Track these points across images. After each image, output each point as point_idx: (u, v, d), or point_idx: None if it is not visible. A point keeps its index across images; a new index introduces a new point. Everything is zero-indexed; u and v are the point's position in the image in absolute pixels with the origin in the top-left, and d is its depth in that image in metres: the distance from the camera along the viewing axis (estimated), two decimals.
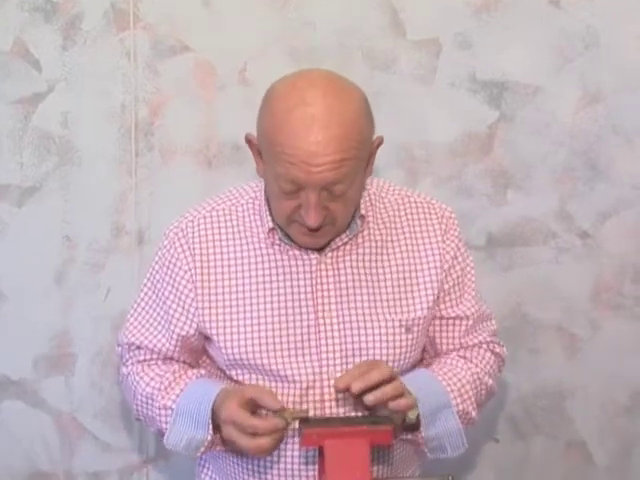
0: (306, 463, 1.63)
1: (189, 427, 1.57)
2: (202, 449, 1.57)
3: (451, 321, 1.70)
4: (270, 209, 1.62)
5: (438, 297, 1.67)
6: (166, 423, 1.61)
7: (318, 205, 1.50)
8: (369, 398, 1.48)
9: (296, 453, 1.62)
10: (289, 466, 1.64)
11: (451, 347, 1.71)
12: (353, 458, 1.46)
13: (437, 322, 1.70)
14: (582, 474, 2.34)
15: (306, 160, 1.45)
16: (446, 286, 1.68)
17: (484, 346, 1.73)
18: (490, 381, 1.71)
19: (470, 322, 1.71)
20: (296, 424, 1.51)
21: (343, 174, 1.48)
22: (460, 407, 1.62)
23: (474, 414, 1.65)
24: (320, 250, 1.62)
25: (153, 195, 2.13)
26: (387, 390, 1.48)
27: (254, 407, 1.51)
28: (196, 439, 1.56)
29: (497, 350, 1.76)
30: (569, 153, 2.20)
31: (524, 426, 2.31)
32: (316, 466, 1.59)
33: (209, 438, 1.55)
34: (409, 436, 1.59)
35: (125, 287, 2.11)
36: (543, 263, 2.24)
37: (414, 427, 1.57)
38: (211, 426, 1.54)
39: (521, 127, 2.19)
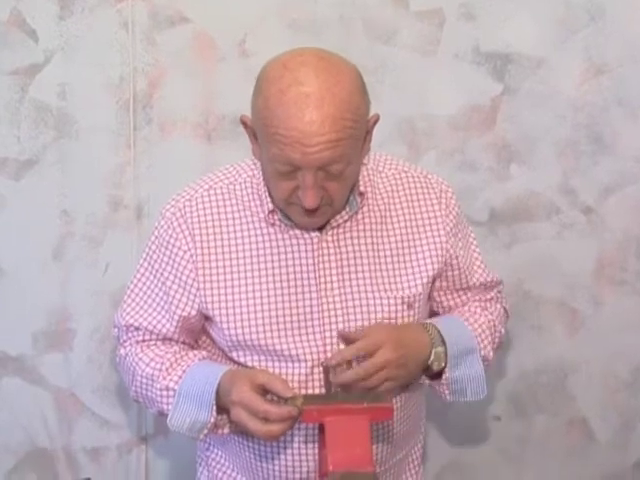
0: (306, 443, 1.64)
1: (192, 409, 1.57)
2: (205, 431, 1.58)
3: (476, 289, 1.76)
4: (268, 190, 1.62)
5: (444, 274, 1.69)
6: (167, 404, 1.61)
7: (315, 186, 1.49)
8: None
9: (302, 437, 1.63)
10: (293, 449, 1.65)
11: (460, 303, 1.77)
12: (353, 435, 1.47)
13: (446, 295, 1.74)
14: (584, 451, 2.35)
15: (301, 141, 1.45)
16: (454, 261, 1.69)
17: (494, 300, 1.80)
18: (502, 330, 1.78)
19: (496, 288, 1.79)
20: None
21: (339, 154, 1.47)
22: (482, 352, 1.68)
23: (491, 357, 1.71)
24: (321, 229, 1.63)
25: (152, 169, 2.13)
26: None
27: (263, 392, 1.51)
28: (199, 421, 1.57)
29: (505, 306, 1.83)
30: (573, 126, 2.20)
31: (525, 403, 2.32)
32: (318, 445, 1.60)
33: (212, 420, 1.56)
34: (432, 381, 1.63)
35: (124, 262, 2.11)
36: (546, 239, 2.24)
37: (438, 374, 1.61)
38: (215, 408, 1.55)
39: (525, 100, 2.19)
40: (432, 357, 1.61)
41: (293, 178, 1.51)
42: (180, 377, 1.61)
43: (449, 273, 1.71)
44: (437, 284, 1.72)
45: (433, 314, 1.77)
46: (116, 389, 2.20)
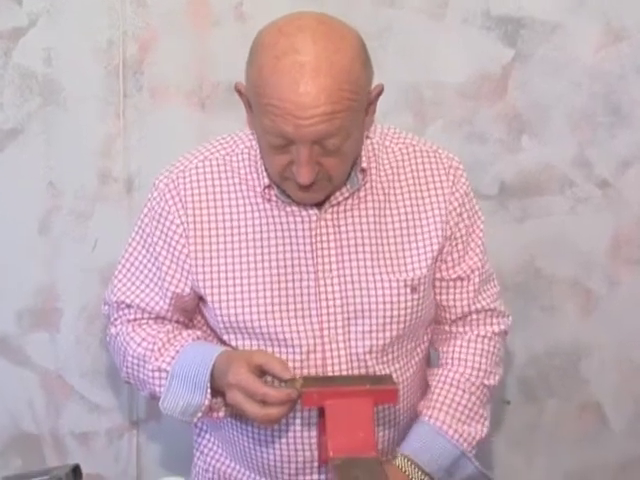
0: (308, 426, 1.64)
1: (186, 391, 1.56)
2: (199, 414, 1.57)
3: (458, 282, 1.70)
4: (264, 163, 1.61)
5: (440, 256, 1.67)
6: (160, 386, 1.61)
7: (310, 161, 1.48)
8: None
9: (301, 422, 1.63)
10: (291, 433, 1.64)
11: (454, 315, 1.72)
12: (356, 418, 1.47)
13: (441, 284, 1.71)
14: (597, 438, 2.36)
15: (294, 113, 1.43)
16: (453, 243, 1.67)
17: (489, 332, 1.73)
18: (494, 380, 1.73)
19: (476, 281, 1.71)
20: None
21: (336, 127, 1.45)
22: (474, 442, 1.66)
23: (486, 423, 1.70)
24: (320, 206, 1.62)
25: (142, 139, 2.12)
26: None
27: (261, 374, 1.51)
28: (193, 404, 1.56)
29: (502, 327, 1.76)
30: (589, 96, 2.20)
31: (536, 387, 2.32)
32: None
33: (206, 403, 1.55)
34: None
35: (114, 237, 2.09)
36: (559, 214, 2.24)
37: None
38: (209, 390, 1.54)
39: (538, 67, 2.18)
40: None
41: (287, 152, 1.49)
42: (173, 358, 1.60)
43: (447, 255, 1.68)
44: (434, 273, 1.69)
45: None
46: (106, 371, 2.21)
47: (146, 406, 2.23)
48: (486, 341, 1.73)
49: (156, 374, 1.62)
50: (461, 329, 1.73)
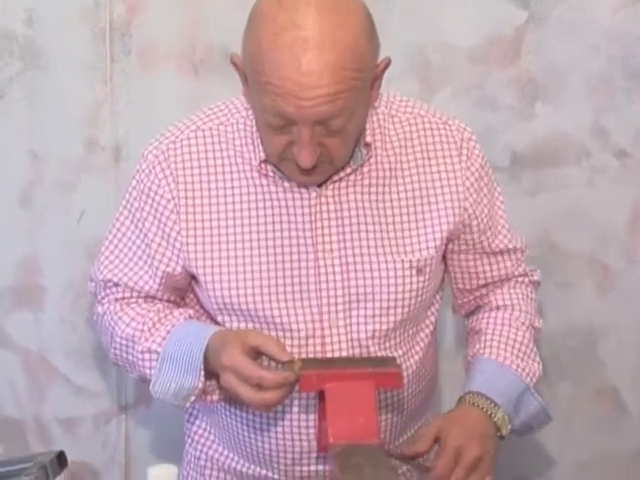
0: (306, 413, 1.64)
1: (178, 373, 1.56)
2: (192, 398, 1.57)
3: (500, 256, 1.73)
4: (261, 141, 1.60)
5: (465, 235, 1.68)
6: (150, 368, 1.61)
7: (312, 142, 1.47)
8: None
9: (299, 407, 1.63)
10: (288, 422, 1.65)
11: (490, 281, 1.75)
12: (357, 403, 1.47)
13: (475, 259, 1.72)
14: (613, 424, 2.37)
15: (296, 93, 1.42)
16: (479, 219, 1.67)
17: (526, 280, 1.78)
18: (539, 322, 1.77)
19: (518, 255, 1.75)
20: None
21: (340, 107, 1.44)
22: (535, 379, 1.68)
23: (540, 369, 1.72)
24: (320, 183, 1.61)
25: (131, 105, 2.12)
26: None
27: (256, 355, 1.51)
28: (185, 387, 1.56)
29: (535, 278, 1.80)
30: (607, 59, 2.19)
31: (549, 370, 2.32)
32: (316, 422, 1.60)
33: (200, 386, 1.55)
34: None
35: (100, 210, 2.10)
36: (575, 186, 2.25)
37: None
38: (203, 373, 1.54)
39: (553, 29, 2.17)
40: (499, 424, 1.61)
41: (287, 132, 1.48)
42: (164, 338, 1.60)
43: (467, 236, 1.68)
44: (451, 247, 1.70)
45: (447, 274, 1.76)
46: (92, 352, 2.21)
47: (135, 389, 2.23)
48: (524, 287, 1.77)
49: (146, 355, 1.62)
50: (498, 285, 1.76)
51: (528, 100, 2.20)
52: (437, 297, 1.74)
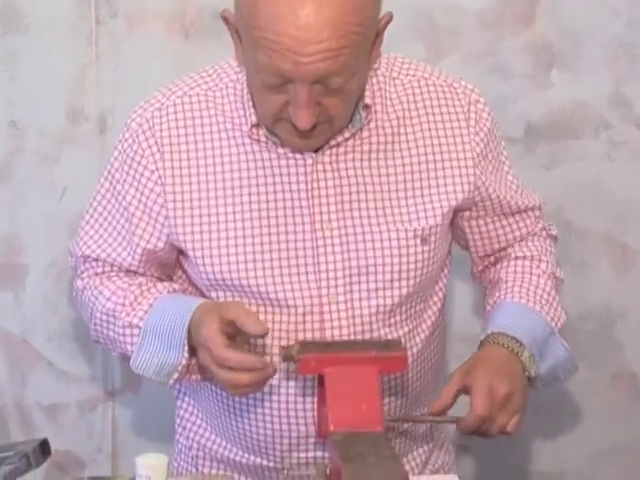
0: (303, 399, 1.64)
1: (160, 349, 1.57)
2: (176, 375, 1.57)
3: (518, 215, 1.75)
4: (252, 99, 1.60)
5: (482, 203, 1.69)
6: (132, 344, 1.61)
7: (310, 102, 1.46)
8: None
9: (292, 390, 1.63)
10: (283, 405, 1.65)
11: (512, 241, 1.77)
12: (359, 389, 1.47)
13: (494, 221, 1.73)
14: (630, 410, 2.38)
15: (294, 49, 1.41)
16: (483, 189, 1.67)
17: (544, 234, 1.80)
18: (561, 273, 1.79)
19: (536, 212, 1.78)
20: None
21: (340, 65, 1.44)
22: (559, 325, 1.70)
23: (563, 316, 1.73)
24: (316, 148, 1.60)
25: (117, 72, 2.13)
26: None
27: (234, 330, 1.50)
28: (168, 363, 1.57)
29: (553, 232, 1.83)
30: (628, 24, 2.19)
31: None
32: (314, 405, 1.60)
33: (184, 362, 1.55)
34: None
35: (84, 184, 2.07)
36: (592, 159, 2.25)
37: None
38: (187, 348, 1.54)
39: None
40: (526, 364, 1.61)
41: (283, 91, 1.47)
42: (146, 312, 1.60)
43: (480, 204, 1.70)
44: (468, 214, 1.71)
45: (465, 242, 1.77)
46: (77, 335, 2.22)
47: (123, 374, 2.24)
48: (542, 240, 1.79)
49: (127, 330, 1.62)
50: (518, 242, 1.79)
51: (543, 67, 2.20)
52: (445, 272, 1.74)
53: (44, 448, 1.51)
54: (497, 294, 1.72)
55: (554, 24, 2.18)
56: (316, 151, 1.60)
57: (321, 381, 1.51)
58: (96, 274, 1.69)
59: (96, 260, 1.69)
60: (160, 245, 1.64)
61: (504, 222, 1.75)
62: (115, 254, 1.67)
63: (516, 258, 1.76)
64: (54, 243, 2.16)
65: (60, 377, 2.24)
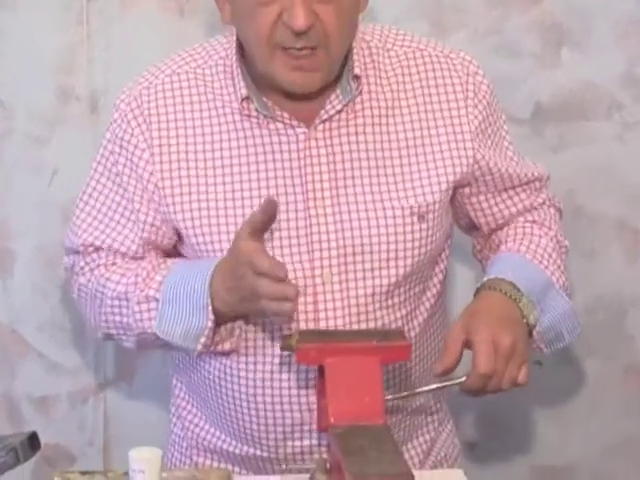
0: (297, 384, 1.64)
1: (182, 314, 1.58)
2: (202, 339, 1.57)
3: (519, 188, 1.76)
4: (243, 72, 1.61)
5: (483, 178, 1.70)
6: (150, 319, 1.61)
7: (304, 3, 1.49)
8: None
9: (285, 375, 1.64)
10: (277, 391, 1.65)
11: (515, 215, 1.78)
12: (361, 380, 1.47)
13: (495, 197, 1.75)
14: None
15: None
16: (483, 163, 1.68)
17: (547, 202, 1.81)
18: (566, 241, 1.80)
19: (536, 184, 1.78)
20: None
21: None
22: (560, 282, 1.70)
23: (567, 282, 1.73)
24: (308, 122, 1.62)
25: (110, 50, 2.12)
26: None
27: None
28: (194, 327, 1.57)
29: (557, 205, 1.84)
30: (638, 0, 2.17)
31: (574, 346, 2.32)
32: (309, 392, 1.61)
33: (210, 325, 1.55)
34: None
35: (76, 167, 2.07)
36: (604, 141, 2.24)
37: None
38: (210, 308, 1.54)
39: None
40: (525, 311, 1.60)
41: (275, 1, 1.50)
42: (161, 283, 1.61)
43: (480, 179, 1.71)
44: (468, 190, 1.72)
45: (466, 222, 1.78)
46: (68, 324, 2.21)
47: (115, 365, 2.24)
48: (546, 208, 1.80)
49: (144, 306, 1.63)
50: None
51: (552, 46, 2.19)
52: (446, 253, 1.75)
53: (33, 442, 1.51)
54: (497, 253, 1.73)
55: (563, 1, 2.17)
56: (308, 126, 1.61)
57: (321, 372, 1.51)
58: (99, 266, 1.70)
59: (98, 250, 1.70)
60: (158, 224, 1.66)
61: (504, 196, 1.75)
62: (121, 237, 1.68)
63: (518, 222, 1.77)
64: (44, 228, 2.16)
65: (50, 368, 2.23)
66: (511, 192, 1.75)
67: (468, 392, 1.55)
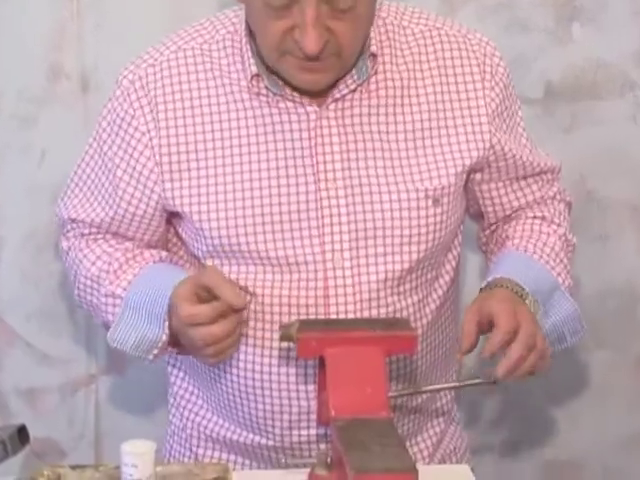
0: (305, 371, 1.64)
1: (140, 322, 1.60)
2: (155, 351, 1.61)
3: (531, 179, 1.76)
4: (252, 48, 1.61)
5: (496, 164, 1.70)
6: (113, 314, 1.65)
7: (317, 23, 1.47)
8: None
9: (292, 361, 1.63)
10: (284, 377, 1.65)
11: (525, 205, 1.78)
12: (363, 371, 1.47)
13: (506, 187, 1.75)
14: None
15: None
16: (497, 147, 1.68)
17: (557, 196, 1.81)
18: (574, 238, 1.80)
19: (548, 176, 1.78)
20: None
21: None
22: (566, 283, 1.71)
23: (572, 282, 1.74)
24: (320, 101, 1.61)
25: (101, 26, 2.12)
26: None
27: (212, 297, 1.53)
28: (148, 338, 1.60)
29: (568, 199, 1.84)
30: None
31: (584, 335, 2.31)
32: (316, 378, 1.60)
33: (164, 338, 1.58)
34: None
35: (66, 148, 2.08)
36: (617, 121, 2.24)
37: None
38: (167, 323, 1.57)
39: None
40: (530, 307, 1.61)
41: (288, 15, 1.49)
42: (129, 282, 1.64)
43: (494, 164, 1.70)
44: (479, 176, 1.72)
45: (474, 209, 1.78)
46: (58, 313, 2.22)
47: (107, 355, 2.24)
48: (556, 203, 1.80)
49: (109, 300, 1.66)
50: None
51: (564, 22, 2.20)
52: (457, 241, 1.75)
53: (22, 435, 1.51)
54: (503, 250, 1.73)
55: None
56: (320, 105, 1.61)
57: (322, 363, 1.50)
58: (82, 235, 1.73)
59: (82, 222, 1.72)
60: (149, 210, 1.67)
61: (515, 186, 1.75)
62: (99, 219, 1.70)
63: (526, 217, 1.77)
64: (34, 212, 2.17)
65: (40, 359, 2.24)
66: (523, 183, 1.76)
67: (490, 354, 1.53)
